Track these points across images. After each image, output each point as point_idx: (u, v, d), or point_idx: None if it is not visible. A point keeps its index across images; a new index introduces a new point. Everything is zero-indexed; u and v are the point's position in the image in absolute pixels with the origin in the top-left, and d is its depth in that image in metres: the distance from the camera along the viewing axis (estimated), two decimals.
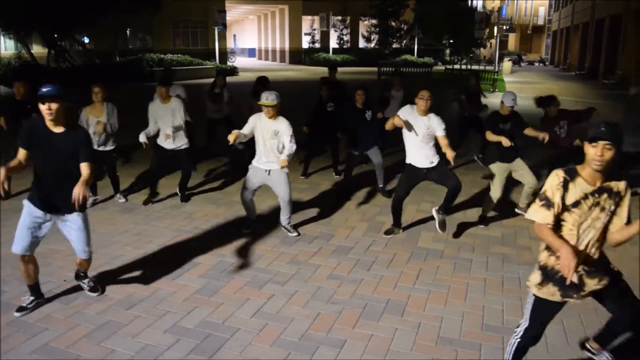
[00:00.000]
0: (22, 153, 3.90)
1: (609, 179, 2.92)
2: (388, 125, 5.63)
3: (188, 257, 5.40)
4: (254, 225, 6.16)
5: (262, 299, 4.54)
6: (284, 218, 6.03)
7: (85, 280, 4.53)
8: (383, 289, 4.77)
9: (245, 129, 5.71)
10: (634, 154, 7.38)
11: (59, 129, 3.91)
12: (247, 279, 4.93)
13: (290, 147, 5.57)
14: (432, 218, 6.59)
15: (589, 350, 3.63)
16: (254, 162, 5.85)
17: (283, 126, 5.60)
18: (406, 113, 5.57)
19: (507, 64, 36.76)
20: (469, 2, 40.55)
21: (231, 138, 5.43)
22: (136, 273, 5.00)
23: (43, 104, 3.79)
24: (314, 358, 3.72)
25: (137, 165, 8.92)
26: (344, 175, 7.90)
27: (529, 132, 6.25)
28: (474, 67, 35.64)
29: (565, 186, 2.90)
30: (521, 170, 6.30)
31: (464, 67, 35.16)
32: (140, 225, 6.29)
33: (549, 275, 3.08)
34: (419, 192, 7.77)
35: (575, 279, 2.92)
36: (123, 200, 7.15)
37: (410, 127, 5.53)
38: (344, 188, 7.80)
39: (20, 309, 4.19)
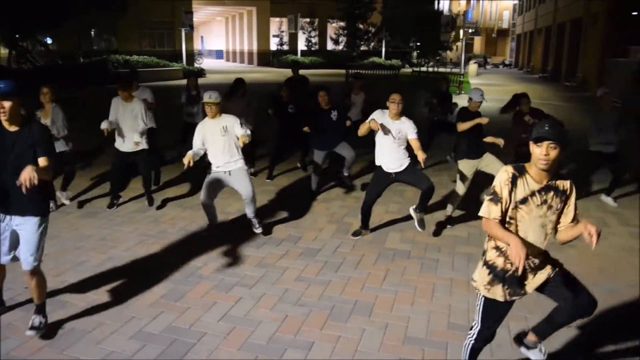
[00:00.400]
0: None
1: (555, 177, 2.98)
2: (362, 131, 5.62)
3: (154, 261, 5.33)
4: (214, 230, 6.11)
5: (229, 302, 4.51)
6: (249, 212, 6.03)
7: (36, 316, 3.95)
8: (351, 290, 4.79)
9: (196, 142, 5.69)
10: (607, 154, 7.44)
11: (13, 128, 3.71)
12: (214, 282, 4.89)
13: (244, 130, 5.60)
14: (399, 219, 6.69)
15: (524, 344, 3.55)
16: (213, 168, 5.80)
17: (229, 120, 5.66)
18: (378, 117, 5.58)
19: (472, 67, 37.39)
20: (436, 5, 41.08)
21: (186, 160, 5.42)
22: (100, 279, 4.90)
23: None
24: None
25: (94, 169, 8.78)
26: (315, 176, 7.75)
27: (488, 139, 6.30)
28: (441, 69, 36.09)
29: (514, 182, 2.94)
30: (491, 163, 6.35)
31: (430, 69, 35.56)
32: (104, 229, 6.18)
33: (498, 275, 3.10)
34: (387, 194, 7.82)
35: (519, 272, 2.95)
36: (67, 201, 7.07)
37: (386, 131, 5.54)
38: (314, 191, 7.75)
39: None
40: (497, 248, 3.09)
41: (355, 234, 6.12)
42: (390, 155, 5.69)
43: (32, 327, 3.89)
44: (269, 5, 43.28)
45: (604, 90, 7.64)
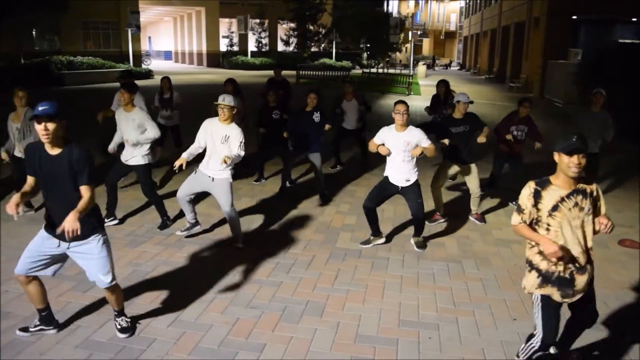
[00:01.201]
0: (30, 179, 3.63)
1: (580, 182, 3.17)
2: (371, 149, 5.56)
3: None
4: (193, 228, 6.01)
5: (179, 307, 4.44)
6: (232, 230, 5.84)
7: (119, 319, 4.03)
8: (302, 291, 4.80)
9: (199, 138, 5.53)
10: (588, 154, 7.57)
11: (55, 151, 3.52)
12: (164, 287, 4.80)
13: (238, 152, 5.35)
14: (350, 219, 6.75)
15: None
16: (201, 166, 5.61)
17: (234, 132, 5.40)
18: (384, 134, 5.51)
19: (421, 68, 38.07)
20: (385, 7, 41.61)
21: (178, 163, 5.31)
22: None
23: (39, 123, 3.40)
24: None
25: None
26: (282, 176, 7.73)
27: (485, 133, 6.43)
28: (391, 70, 36.59)
29: (537, 195, 3.16)
30: (470, 175, 6.58)
31: (380, 70, 36.01)
32: None
33: (547, 277, 3.25)
34: (338, 195, 7.90)
35: (567, 275, 3.20)
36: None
37: (394, 148, 5.48)
38: (282, 190, 7.69)
39: (24, 329, 3.99)
40: (539, 253, 3.24)
41: (365, 242, 5.94)
42: (397, 170, 5.57)
43: (122, 330, 4.00)
44: (218, 5, 42.81)
45: (597, 89, 7.42)
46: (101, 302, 4.45)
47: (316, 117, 7.27)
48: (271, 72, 10.38)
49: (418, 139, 5.45)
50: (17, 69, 24.58)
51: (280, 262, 5.43)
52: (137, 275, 5.04)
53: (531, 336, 3.41)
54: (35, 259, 3.76)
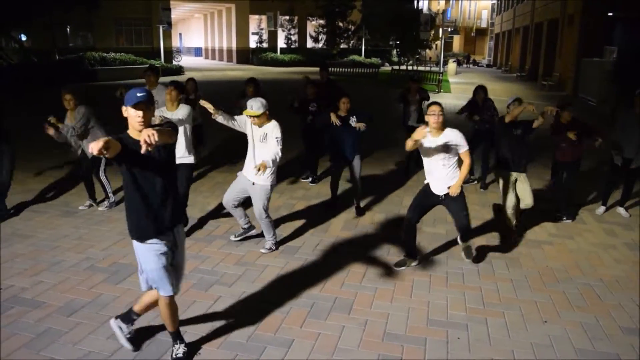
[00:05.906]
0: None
1: None
2: (408, 146, 4.81)
3: (131, 260, 5.27)
4: (248, 232, 5.89)
5: (208, 301, 4.49)
6: (264, 233, 5.70)
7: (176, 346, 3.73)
8: (330, 288, 4.80)
9: (240, 118, 5.37)
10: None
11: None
12: (194, 281, 4.86)
13: (275, 151, 5.15)
14: (379, 217, 6.71)
15: None
16: (243, 170, 5.53)
17: (272, 129, 5.23)
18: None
19: (451, 65, 37.70)
20: (415, 4, 41.29)
21: (209, 106, 5.19)
22: (77, 278, 4.84)
23: (137, 109, 3.22)
24: (262, 358, 3.71)
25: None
26: (331, 188, 7.13)
27: (536, 124, 5.87)
28: (420, 68, 36.30)
29: None
30: (523, 187, 6.08)
31: (410, 67, 35.76)
32: (81, 229, 6.10)
33: None
34: (368, 193, 7.87)
35: None
36: (104, 207, 6.86)
37: (428, 152, 4.98)
38: (331, 202, 7.22)
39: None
40: None
41: (399, 264, 5.30)
42: (439, 177, 5.04)
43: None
44: (248, 2, 43.06)
45: None
46: (132, 294, 4.53)
47: (352, 121, 6.59)
48: (300, 69, 9.97)
49: (456, 141, 4.88)
50: (52, 65, 25.15)
51: (308, 258, 5.44)
52: None
53: None
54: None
